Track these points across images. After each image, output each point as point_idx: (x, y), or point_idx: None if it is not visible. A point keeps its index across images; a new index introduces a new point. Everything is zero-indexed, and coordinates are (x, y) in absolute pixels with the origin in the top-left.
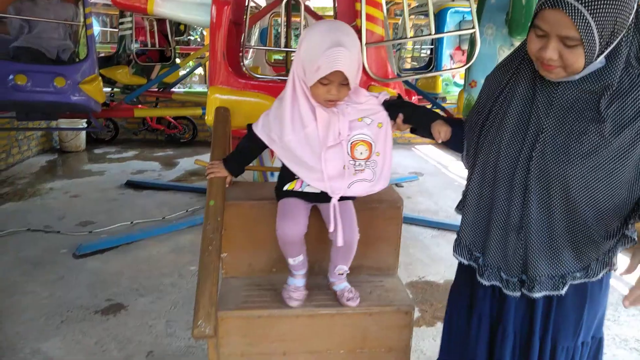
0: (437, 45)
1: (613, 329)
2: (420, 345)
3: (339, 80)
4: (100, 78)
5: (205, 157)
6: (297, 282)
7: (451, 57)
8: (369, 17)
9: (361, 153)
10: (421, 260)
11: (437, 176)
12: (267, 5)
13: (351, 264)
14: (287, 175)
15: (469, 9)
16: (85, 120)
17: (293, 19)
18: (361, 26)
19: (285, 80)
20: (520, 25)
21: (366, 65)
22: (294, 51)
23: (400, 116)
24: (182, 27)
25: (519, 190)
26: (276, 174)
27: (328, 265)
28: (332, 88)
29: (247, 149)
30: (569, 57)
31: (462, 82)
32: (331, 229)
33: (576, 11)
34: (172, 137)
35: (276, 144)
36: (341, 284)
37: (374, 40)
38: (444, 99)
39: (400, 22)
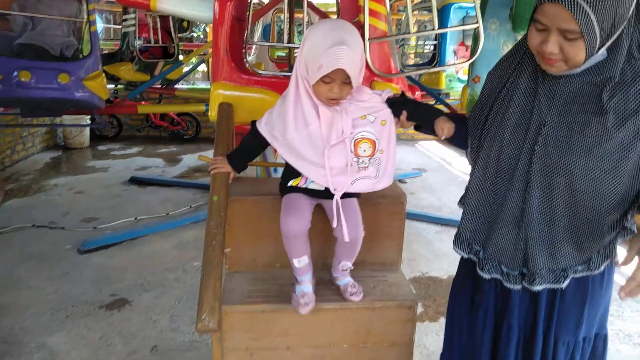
0: (440, 40)
1: (617, 324)
2: (424, 340)
3: (341, 79)
4: (103, 74)
5: (209, 154)
6: (305, 289)
7: (455, 52)
8: (372, 13)
9: (364, 150)
10: (424, 256)
11: (441, 172)
12: (270, 2)
13: (355, 259)
14: (291, 172)
15: (473, 4)
16: (89, 117)
17: (296, 15)
18: (364, 21)
19: (288, 77)
20: (524, 21)
21: (369, 61)
22: (296, 47)
23: (404, 113)
24: (185, 24)
25: (520, 183)
26: (279, 169)
27: (332, 261)
28: (334, 86)
29: (250, 145)
30: (570, 51)
31: (465, 77)
32: (334, 225)
33: (576, 4)
34: (176, 134)
35: (278, 141)
36: (345, 279)
37: (377, 36)
38: (447, 95)
39: (403, 17)
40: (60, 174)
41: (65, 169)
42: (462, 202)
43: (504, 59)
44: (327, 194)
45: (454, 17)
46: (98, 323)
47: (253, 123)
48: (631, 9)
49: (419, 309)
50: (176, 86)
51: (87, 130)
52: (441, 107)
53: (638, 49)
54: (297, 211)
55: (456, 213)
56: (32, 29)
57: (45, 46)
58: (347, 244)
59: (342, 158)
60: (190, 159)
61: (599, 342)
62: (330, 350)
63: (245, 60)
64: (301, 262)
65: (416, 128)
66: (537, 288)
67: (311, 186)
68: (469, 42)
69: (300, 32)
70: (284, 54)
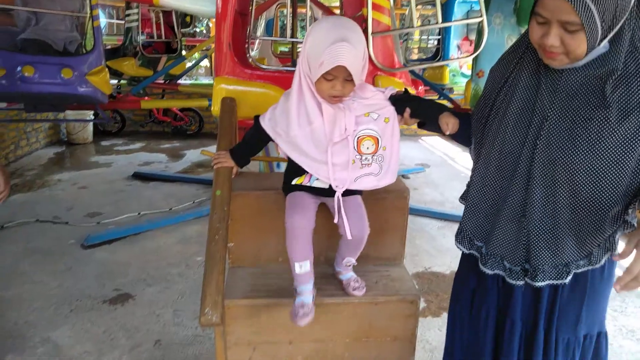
0: (444, 35)
1: (620, 320)
2: (426, 335)
3: (343, 76)
4: (107, 70)
5: (212, 149)
6: (305, 299)
7: (458, 47)
8: (376, 6)
9: (367, 148)
10: (427, 251)
11: (444, 167)
12: None
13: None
14: (294, 170)
15: None
16: (93, 112)
17: (299, 9)
18: (367, 15)
19: (291, 71)
20: (528, 15)
21: (372, 55)
22: (299, 42)
23: (408, 110)
24: (188, 19)
25: (522, 178)
26: (282, 164)
27: (334, 255)
28: (336, 84)
29: (253, 140)
30: (571, 43)
31: (469, 72)
32: (335, 220)
33: None
34: (179, 129)
35: (281, 138)
36: (347, 274)
37: (381, 30)
38: (451, 90)
39: (407, 12)
40: (64, 169)
41: (68, 164)
42: (464, 198)
43: (506, 54)
44: (330, 192)
45: (458, 11)
46: (102, 317)
47: (256, 118)
48: (632, 0)
49: (422, 304)
50: (179, 81)
51: (90, 126)
52: (445, 102)
53: None
54: (302, 209)
55: (459, 208)
56: (36, 24)
57: (48, 41)
58: (352, 241)
59: (345, 155)
60: (193, 155)
61: (602, 340)
62: (332, 344)
63: (248, 55)
64: (303, 267)
65: (419, 125)
66: (540, 284)
67: (315, 184)
68: (473, 37)
69: (303, 27)
70: (286, 49)
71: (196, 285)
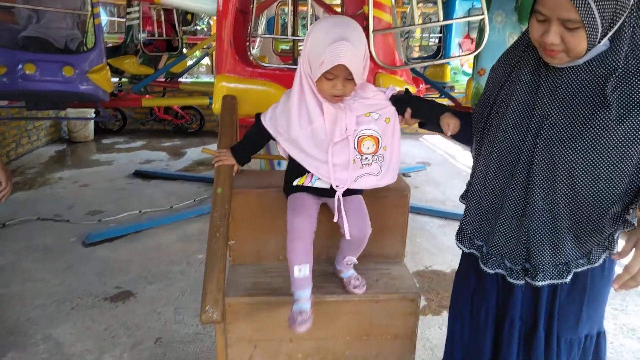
0: (445, 33)
1: (621, 319)
2: (427, 334)
3: (343, 75)
4: (108, 67)
5: (213, 147)
6: (303, 306)
7: (460, 45)
8: (377, 4)
9: (368, 148)
10: (428, 249)
11: (445, 166)
12: None
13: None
14: (295, 170)
15: None
16: (94, 110)
17: (300, 7)
18: (368, 13)
19: (292, 69)
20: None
21: (373, 53)
22: (300, 40)
23: (409, 111)
24: (189, 17)
25: (522, 177)
26: (283, 162)
27: (335, 254)
28: (337, 83)
29: (254, 138)
30: (571, 41)
31: (470, 70)
32: (335, 219)
33: None
34: (180, 127)
35: (282, 136)
36: (348, 272)
37: (382, 28)
38: (452, 88)
39: (408, 10)
40: (65, 167)
41: (70, 162)
42: (464, 197)
43: (506, 52)
44: (332, 192)
45: (459, 9)
46: (103, 315)
47: (257, 116)
48: None
49: (422, 303)
50: (180, 79)
51: (91, 124)
52: (446, 100)
53: None
54: (304, 210)
55: (460, 207)
56: (37, 21)
57: (49, 39)
58: (354, 240)
59: (346, 155)
60: (194, 153)
61: (602, 339)
62: (333, 342)
63: (249, 52)
64: (302, 271)
65: (420, 125)
66: (540, 283)
67: (316, 184)
68: (474, 35)
69: (304, 25)
70: (288, 47)
71: (197, 283)
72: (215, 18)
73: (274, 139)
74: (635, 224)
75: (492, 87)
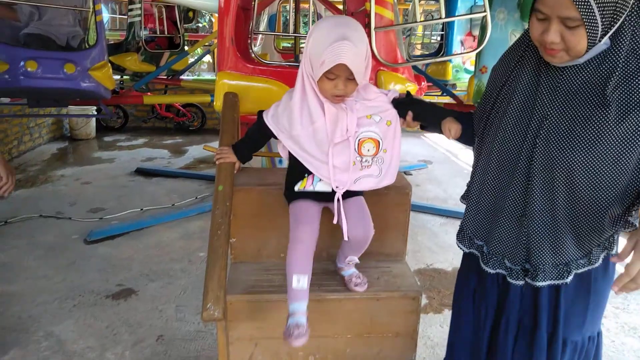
0: (447, 30)
1: (622, 317)
2: (428, 332)
3: (345, 75)
4: (109, 65)
5: (214, 145)
6: (299, 320)
7: (462, 43)
8: (379, 1)
9: (368, 150)
10: (429, 247)
11: (446, 164)
12: None
13: None
14: (296, 172)
15: None
16: (95, 107)
17: (302, 5)
18: (370, 10)
19: (293, 66)
20: None
21: (375, 50)
22: (302, 37)
23: (410, 114)
24: (190, 14)
25: (522, 177)
26: (284, 160)
27: (336, 252)
28: (338, 83)
29: (256, 136)
30: (571, 39)
31: (472, 68)
32: (335, 221)
33: None
34: (181, 125)
35: (284, 134)
36: (349, 270)
37: (384, 25)
38: (454, 86)
39: (410, 7)
40: (67, 165)
41: (71, 160)
42: (465, 198)
43: (507, 52)
44: (333, 195)
45: (461, 6)
46: (105, 312)
47: (260, 113)
48: None
49: (424, 301)
50: (182, 77)
51: (93, 121)
52: (447, 98)
53: None
54: (307, 218)
55: (461, 205)
56: (39, 18)
57: (51, 36)
58: (357, 241)
59: (346, 156)
60: (195, 150)
61: (600, 339)
62: (334, 340)
63: (250, 50)
64: (300, 282)
65: (422, 127)
66: (541, 284)
67: (318, 188)
68: (476, 32)
69: (306, 23)
70: (289, 45)
71: (199, 280)
72: (216, 15)
73: (276, 137)
74: (637, 225)
75: (493, 87)
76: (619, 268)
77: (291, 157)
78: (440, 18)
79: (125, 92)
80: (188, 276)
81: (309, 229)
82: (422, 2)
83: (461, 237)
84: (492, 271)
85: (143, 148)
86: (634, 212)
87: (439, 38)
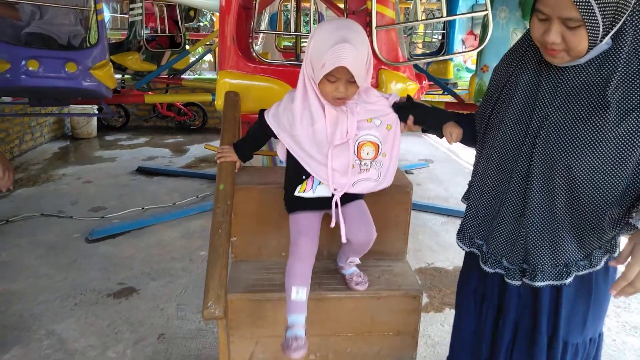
0: (448, 29)
1: (623, 316)
2: (428, 331)
3: (345, 78)
4: (110, 64)
5: (215, 144)
6: (298, 332)
7: (463, 42)
8: (380, 0)
9: (367, 153)
10: (430, 247)
11: (448, 163)
12: None
13: None
14: (295, 175)
15: None
16: (97, 107)
17: (303, 4)
18: (372, 9)
19: (294, 65)
20: None
21: (376, 49)
22: (303, 36)
23: (411, 118)
24: (191, 13)
25: (521, 177)
26: (283, 162)
27: (337, 250)
28: (339, 85)
29: (257, 135)
30: (572, 40)
31: (473, 67)
32: (332, 225)
33: None
34: (182, 124)
35: (285, 134)
36: (350, 269)
37: (385, 23)
38: (455, 85)
39: (411, 6)
40: (69, 164)
41: (73, 159)
42: (466, 197)
43: (509, 52)
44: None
45: (462, 5)
46: (106, 311)
47: (261, 112)
48: None
49: (424, 300)
50: (183, 76)
51: (94, 121)
52: (449, 97)
53: None
54: (308, 231)
55: (462, 204)
56: (40, 17)
57: (52, 35)
58: (359, 245)
59: (345, 159)
60: (196, 149)
61: (601, 341)
62: (335, 338)
63: (251, 49)
64: (299, 294)
65: (424, 131)
66: (540, 284)
67: (318, 192)
68: (477, 31)
69: (307, 22)
70: (290, 44)
71: (199, 279)
72: (218, 14)
73: (276, 137)
74: (639, 227)
75: (495, 87)
76: (621, 269)
77: (289, 160)
78: (442, 17)
79: (127, 91)
80: (189, 275)
81: (310, 243)
82: (424, 0)
83: (461, 236)
84: (490, 270)
85: (144, 147)
86: (634, 214)
87: (440, 37)
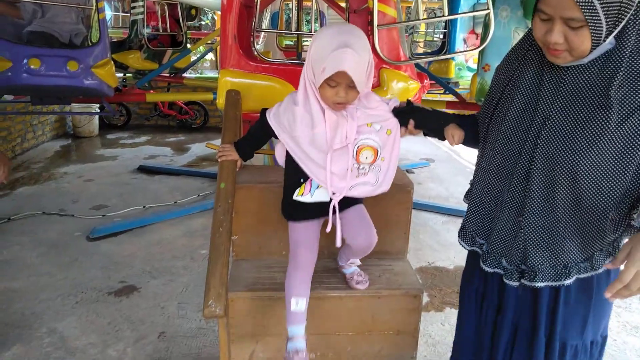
0: (450, 28)
1: (624, 316)
2: (429, 330)
3: (346, 82)
4: (112, 62)
5: (217, 143)
6: (299, 345)
7: (464, 41)
8: None
9: (366, 157)
10: (431, 246)
11: (449, 162)
12: None
13: None
14: (293, 177)
15: None
16: (98, 105)
17: (304, 2)
18: (373, 7)
19: (296, 64)
20: None
21: (377, 48)
22: (305, 35)
23: (412, 122)
24: (193, 12)
25: (521, 177)
26: (282, 165)
27: (338, 250)
28: (339, 90)
29: (258, 133)
30: (575, 40)
31: (475, 66)
32: (328, 229)
33: None
34: (184, 123)
35: (285, 134)
36: (351, 268)
37: (386, 22)
38: (456, 84)
39: (413, 5)
40: (70, 162)
41: (74, 157)
42: (467, 197)
43: (511, 51)
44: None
45: (464, 4)
46: (107, 309)
47: (263, 111)
48: None
49: (425, 299)
50: (184, 75)
51: (96, 119)
52: (450, 96)
53: None
54: (308, 241)
55: (463, 204)
56: (42, 16)
57: (54, 33)
58: (360, 248)
59: (344, 162)
60: (198, 148)
61: (604, 343)
62: (335, 337)
63: (253, 47)
64: (299, 304)
65: (425, 134)
66: (539, 284)
67: (316, 196)
68: (479, 30)
69: (309, 21)
70: (292, 43)
71: (200, 278)
72: (219, 13)
73: (276, 137)
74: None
75: (497, 86)
76: None
77: (288, 163)
78: (443, 16)
79: (128, 90)
80: (190, 273)
81: (310, 254)
82: (425, 0)
83: (463, 234)
84: (490, 270)
85: (146, 146)
86: (635, 216)
87: (441, 36)
